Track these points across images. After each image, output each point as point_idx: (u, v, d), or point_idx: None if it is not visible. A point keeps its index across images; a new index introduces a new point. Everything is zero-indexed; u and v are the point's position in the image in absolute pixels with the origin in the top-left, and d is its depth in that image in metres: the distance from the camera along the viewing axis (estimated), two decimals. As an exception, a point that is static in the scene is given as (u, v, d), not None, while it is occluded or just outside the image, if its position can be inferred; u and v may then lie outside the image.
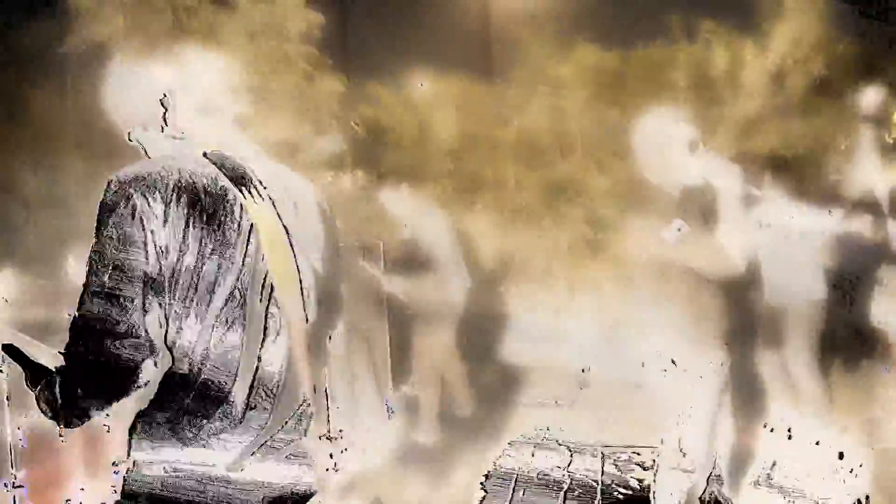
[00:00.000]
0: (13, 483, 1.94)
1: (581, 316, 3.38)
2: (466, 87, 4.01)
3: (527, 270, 3.57)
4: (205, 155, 1.35)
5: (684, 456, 2.84)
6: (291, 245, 1.42)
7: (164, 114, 1.37)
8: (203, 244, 1.28)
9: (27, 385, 1.23)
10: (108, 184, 1.25)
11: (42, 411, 1.23)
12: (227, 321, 1.30)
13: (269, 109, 3.64)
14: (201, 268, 1.28)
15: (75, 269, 1.95)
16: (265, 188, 1.42)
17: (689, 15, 3.41)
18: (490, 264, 3.59)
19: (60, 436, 1.76)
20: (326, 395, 2.88)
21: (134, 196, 1.23)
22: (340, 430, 2.78)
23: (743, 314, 3.22)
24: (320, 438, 2.82)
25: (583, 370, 3.29)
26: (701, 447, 2.89)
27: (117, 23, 3.09)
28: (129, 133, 1.34)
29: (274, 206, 1.42)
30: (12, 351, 1.22)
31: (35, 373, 1.22)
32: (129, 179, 1.25)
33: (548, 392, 3.30)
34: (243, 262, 1.33)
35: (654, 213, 3.43)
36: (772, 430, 3.04)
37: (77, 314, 1.22)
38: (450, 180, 3.94)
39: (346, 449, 2.77)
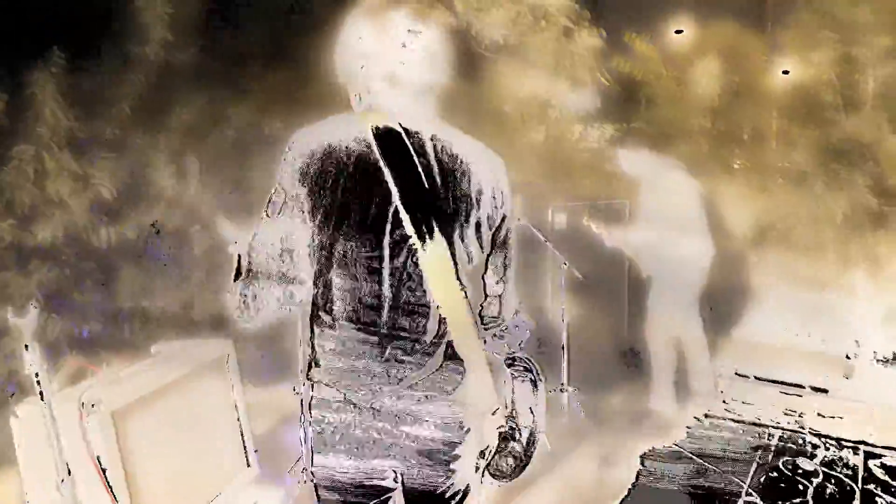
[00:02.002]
0: (298, 387, 2.35)
1: (853, 296, 2.98)
2: (734, 34, 3.66)
3: (789, 240, 3.23)
4: (375, 130, 1.41)
5: None
6: (445, 223, 1.44)
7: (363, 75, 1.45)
8: (334, 207, 1.39)
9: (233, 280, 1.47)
10: (292, 137, 1.41)
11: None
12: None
13: (525, 66, 3.70)
14: (333, 223, 1.39)
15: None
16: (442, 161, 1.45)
17: None
18: (746, 230, 3.30)
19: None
20: (564, 349, 2.96)
21: (295, 152, 1.38)
22: (566, 386, 2.85)
23: None
24: (554, 391, 2.92)
25: (847, 357, 2.92)
26: None
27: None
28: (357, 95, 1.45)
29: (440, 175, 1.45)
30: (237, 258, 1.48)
31: (238, 273, 1.46)
32: (296, 138, 1.41)
33: (803, 376, 2.99)
34: (377, 227, 1.41)
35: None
36: None
37: (251, 238, 1.42)
38: (706, 138, 3.66)
39: (578, 403, 2.84)
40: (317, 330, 1.45)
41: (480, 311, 1.58)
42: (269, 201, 1.38)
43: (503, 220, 1.50)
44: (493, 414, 1.54)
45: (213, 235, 3.19)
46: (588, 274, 2.79)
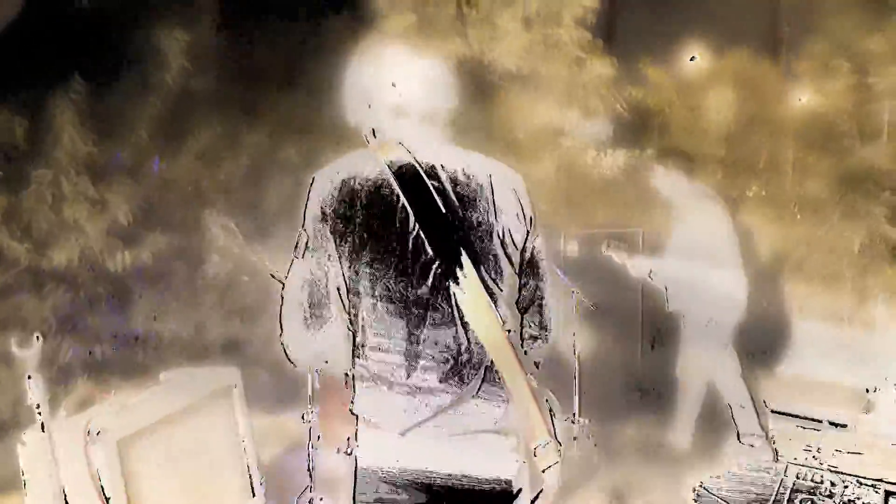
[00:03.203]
0: (307, 415, 2.33)
1: (871, 329, 2.92)
2: (748, 62, 3.67)
3: (806, 271, 3.19)
4: (387, 163, 1.43)
5: None
6: (468, 244, 1.44)
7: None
8: (357, 239, 1.41)
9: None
10: (312, 179, 1.45)
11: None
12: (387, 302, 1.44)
13: (537, 95, 3.73)
14: (358, 255, 1.42)
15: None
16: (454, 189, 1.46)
17: None
18: (763, 261, 3.26)
19: (347, 384, 2.03)
20: (576, 378, 2.92)
21: (315, 192, 1.42)
22: (577, 417, 2.81)
23: None
24: (564, 421, 2.87)
25: (867, 391, 2.85)
26: None
27: (409, 18, 3.41)
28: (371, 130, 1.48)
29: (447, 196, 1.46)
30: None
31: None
32: (316, 177, 1.45)
33: (821, 410, 2.92)
34: (400, 255, 1.42)
35: None
36: None
37: (285, 277, 1.44)
38: (719, 165, 3.65)
39: (590, 436, 2.80)
40: (355, 360, 1.46)
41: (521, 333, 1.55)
42: (297, 242, 1.41)
43: (528, 235, 1.49)
44: (541, 448, 1.49)
45: (228, 260, 3.23)
46: (600, 303, 2.76)
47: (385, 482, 1.47)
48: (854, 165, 3.18)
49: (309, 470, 2.20)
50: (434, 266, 1.41)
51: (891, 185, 3.12)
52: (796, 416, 2.97)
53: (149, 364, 2.70)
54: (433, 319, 1.42)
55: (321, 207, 1.40)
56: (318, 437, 2.28)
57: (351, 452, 1.61)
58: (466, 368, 1.44)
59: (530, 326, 1.57)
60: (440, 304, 1.42)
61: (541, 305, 1.57)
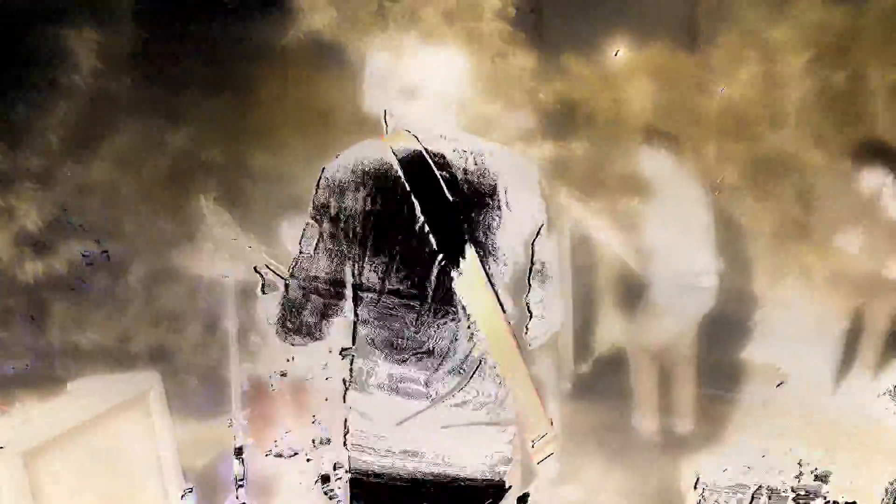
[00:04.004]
0: (233, 421, 2.29)
1: (784, 308, 3.07)
2: (666, 55, 3.77)
3: (723, 253, 3.32)
4: (391, 148, 1.43)
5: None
6: (475, 236, 1.45)
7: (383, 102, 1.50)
8: (363, 231, 1.41)
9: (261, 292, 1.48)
10: (322, 170, 1.45)
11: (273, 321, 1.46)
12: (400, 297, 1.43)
13: (462, 88, 3.73)
14: (364, 247, 1.43)
15: (287, 234, 2.21)
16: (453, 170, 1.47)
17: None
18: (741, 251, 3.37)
19: (272, 387, 2.01)
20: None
21: (324, 184, 1.41)
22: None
23: None
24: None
25: (779, 368, 3.00)
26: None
27: (330, 14, 3.36)
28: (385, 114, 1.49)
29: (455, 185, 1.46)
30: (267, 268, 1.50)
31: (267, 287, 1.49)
32: (325, 169, 1.45)
33: (735, 385, 3.05)
34: (405, 247, 1.43)
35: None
36: None
37: (290, 270, 1.43)
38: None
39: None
40: (354, 352, 1.45)
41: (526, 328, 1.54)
42: (303, 235, 1.39)
43: (539, 227, 1.49)
44: (538, 439, 1.50)
45: (154, 265, 3.13)
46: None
47: (376, 474, 1.46)
48: (764, 151, 3.32)
49: (235, 477, 2.16)
50: (438, 258, 1.41)
51: (798, 168, 3.27)
52: (714, 396, 3.09)
53: (66, 377, 2.60)
54: (436, 312, 1.42)
55: (329, 200, 1.39)
56: (251, 440, 2.25)
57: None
58: (467, 360, 1.45)
59: (535, 311, 1.57)
60: (443, 297, 1.42)
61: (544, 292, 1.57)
